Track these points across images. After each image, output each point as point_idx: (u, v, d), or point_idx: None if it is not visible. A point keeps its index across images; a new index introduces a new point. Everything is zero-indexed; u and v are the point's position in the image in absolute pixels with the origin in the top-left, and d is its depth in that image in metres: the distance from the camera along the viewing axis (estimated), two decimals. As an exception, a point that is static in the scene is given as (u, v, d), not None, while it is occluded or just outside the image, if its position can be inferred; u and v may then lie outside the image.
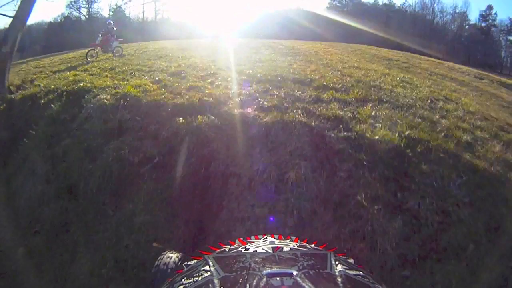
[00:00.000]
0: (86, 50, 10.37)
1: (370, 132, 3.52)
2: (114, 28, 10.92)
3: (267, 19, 35.92)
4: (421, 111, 4.65)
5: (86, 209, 3.53)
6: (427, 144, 3.74)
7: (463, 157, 3.74)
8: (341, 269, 0.64)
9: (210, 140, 3.30)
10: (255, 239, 0.91)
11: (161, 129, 3.58)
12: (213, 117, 3.56)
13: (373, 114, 4.11)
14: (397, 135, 3.63)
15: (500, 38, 34.27)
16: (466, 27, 34.75)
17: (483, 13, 34.80)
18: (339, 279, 0.59)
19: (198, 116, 3.56)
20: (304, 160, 3.11)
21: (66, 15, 37.88)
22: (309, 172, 3.06)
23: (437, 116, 4.67)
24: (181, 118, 3.60)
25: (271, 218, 2.72)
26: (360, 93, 4.87)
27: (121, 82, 5.48)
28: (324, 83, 5.27)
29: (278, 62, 7.50)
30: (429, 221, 3.07)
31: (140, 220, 3.01)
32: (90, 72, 7.36)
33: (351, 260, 0.78)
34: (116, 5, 39.67)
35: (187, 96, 4.22)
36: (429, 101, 5.40)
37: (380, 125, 3.80)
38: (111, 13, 38.80)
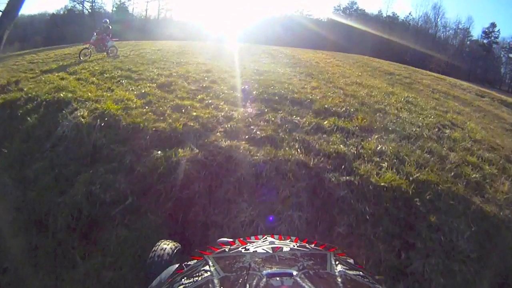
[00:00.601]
0: (81, 48, 9.80)
1: (375, 176, 3.05)
2: (110, 27, 10.38)
3: (270, 24, 35.40)
4: (429, 144, 4.23)
5: (55, 250, 3.03)
6: (436, 188, 3.32)
7: (473, 201, 3.41)
8: (341, 269, 0.61)
9: (191, 180, 2.80)
10: (255, 239, 0.86)
11: (137, 162, 3.08)
12: (196, 150, 3.07)
13: (378, 148, 3.64)
14: (405, 178, 3.18)
15: (501, 55, 33.87)
16: (468, 42, 34.25)
17: (486, 30, 34.42)
18: (339, 279, 0.56)
19: (179, 150, 3.06)
20: (299, 210, 2.64)
21: (69, 8, 37.14)
22: (304, 225, 2.59)
23: (445, 149, 4.27)
24: (159, 151, 3.10)
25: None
26: (364, 120, 4.40)
27: (104, 93, 4.96)
28: (326, 106, 4.79)
29: (277, 74, 7.00)
30: (432, 285, 2.66)
31: (110, 275, 2.51)
32: (78, 76, 6.82)
33: (351, 261, 0.73)
34: (120, 1, 38.93)
35: (171, 120, 3.72)
36: (436, 129, 4.98)
37: (386, 164, 3.34)
38: (114, 9, 38.19)
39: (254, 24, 36.57)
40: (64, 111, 4.35)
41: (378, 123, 4.40)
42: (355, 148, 3.49)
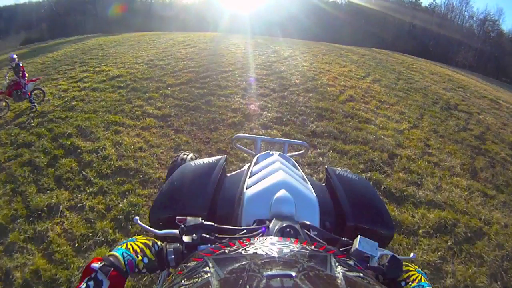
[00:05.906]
0: None
1: None
2: (20, 64, 6.34)
3: (286, 6, 29.28)
4: None
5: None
6: None
7: None
8: (341, 271, 0.53)
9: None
10: (255, 240, 0.71)
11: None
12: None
13: None
14: None
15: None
16: (494, 35, 27.80)
17: (521, 25, 27.81)
18: (339, 281, 0.50)
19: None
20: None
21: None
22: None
23: None
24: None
25: None
26: None
27: None
28: None
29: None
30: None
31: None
32: None
33: (351, 262, 0.62)
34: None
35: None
36: None
37: None
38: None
39: (269, 4, 30.27)
40: None
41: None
42: None
